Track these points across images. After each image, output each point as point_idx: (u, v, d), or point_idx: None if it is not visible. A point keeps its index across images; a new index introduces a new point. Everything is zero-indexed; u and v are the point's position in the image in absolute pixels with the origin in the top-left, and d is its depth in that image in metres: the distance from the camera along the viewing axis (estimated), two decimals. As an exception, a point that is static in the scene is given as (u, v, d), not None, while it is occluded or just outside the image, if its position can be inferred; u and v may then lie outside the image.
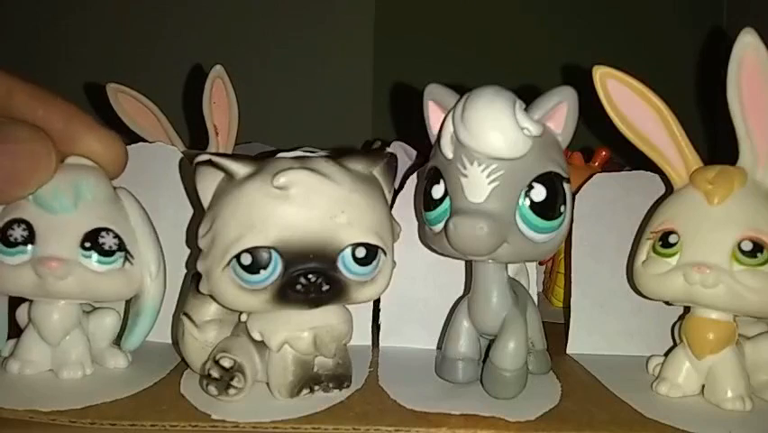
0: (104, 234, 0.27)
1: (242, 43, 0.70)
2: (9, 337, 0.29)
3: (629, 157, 0.32)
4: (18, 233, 0.26)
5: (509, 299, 0.27)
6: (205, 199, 0.26)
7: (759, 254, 0.25)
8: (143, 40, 0.71)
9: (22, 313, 0.29)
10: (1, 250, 0.26)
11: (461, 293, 0.32)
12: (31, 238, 0.26)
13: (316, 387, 0.27)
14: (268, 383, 0.27)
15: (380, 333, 0.33)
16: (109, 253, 0.27)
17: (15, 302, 0.29)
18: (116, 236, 0.27)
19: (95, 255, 0.27)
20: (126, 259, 0.28)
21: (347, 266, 0.25)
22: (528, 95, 0.26)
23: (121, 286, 0.28)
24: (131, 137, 0.40)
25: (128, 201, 0.29)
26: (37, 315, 0.27)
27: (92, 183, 0.27)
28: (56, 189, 0.26)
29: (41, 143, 0.25)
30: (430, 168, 0.27)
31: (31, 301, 0.28)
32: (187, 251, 0.32)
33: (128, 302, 0.30)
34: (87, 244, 0.26)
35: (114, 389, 0.26)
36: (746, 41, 0.25)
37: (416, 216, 0.32)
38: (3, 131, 0.25)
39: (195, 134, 0.46)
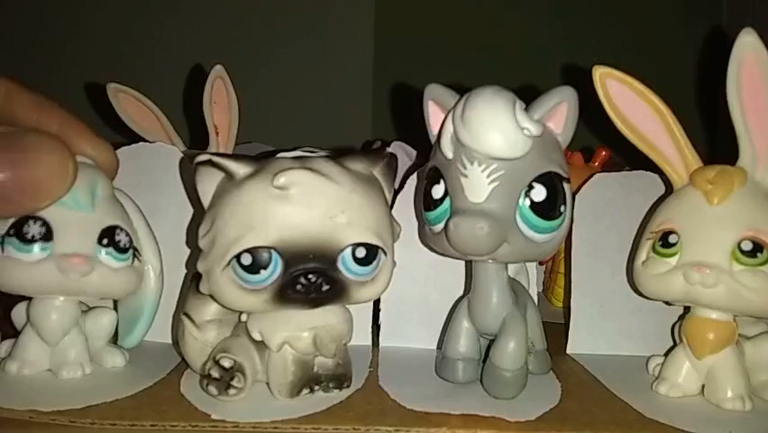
0: (118, 231, 0.27)
1: (243, 43, 0.71)
2: (4, 338, 0.29)
3: (629, 157, 0.32)
4: (35, 229, 0.26)
5: (509, 299, 0.27)
6: (206, 199, 0.26)
7: (759, 254, 0.25)
8: (144, 40, 0.71)
9: (18, 314, 0.29)
10: (16, 246, 0.26)
11: (461, 293, 0.32)
12: (48, 235, 0.26)
13: (316, 387, 0.27)
14: (268, 383, 0.27)
15: (380, 333, 0.33)
16: (124, 250, 0.27)
17: (10, 304, 0.29)
18: (127, 234, 0.28)
19: (111, 252, 0.27)
20: (135, 256, 0.28)
21: (347, 266, 0.25)
22: (528, 95, 0.26)
23: (131, 282, 0.28)
24: (131, 137, 0.40)
25: (126, 202, 0.29)
26: (36, 314, 0.27)
27: (103, 182, 0.28)
28: (74, 187, 0.26)
29: (61, 154, 0.25)
30: (430, 168, 0.27)
31: (29, 301, 0.28)
32: (187, 251, 0.32)
33: (116, 301, 0.31)
34: (105, 241, 0.27)
35: (114, 389, 0.26)
36: (746, 40, 0.25)
37: (417, 216, 0.32)
38: (18, 140, 0.25)
39: (195, 134, 0.46)
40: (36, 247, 0.26)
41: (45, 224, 0.26)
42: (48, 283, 0.26)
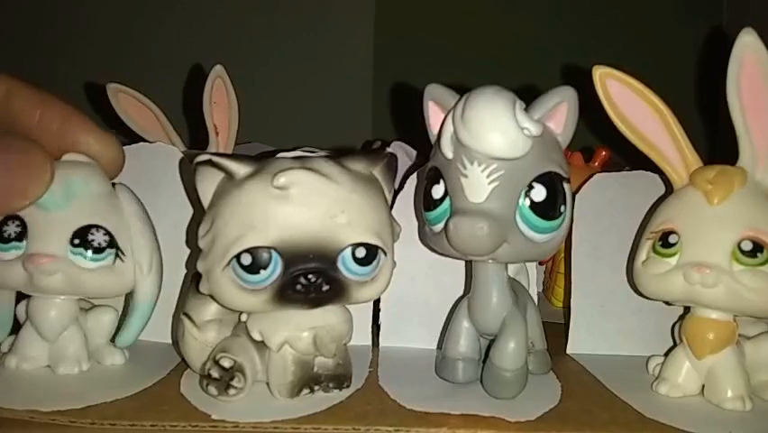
0: (93, 231, 0.27)
1: (243, 43, 0.70)
2: (11, 333, 0.29)
3: (629, 157, 0.32)
4: (11, 229, 0.26)
5: (509, 299, 0.27)
6: (206, 199, 0.26)
7: (759, 254, 0.25)
8: (144, 39, 0.71)
9: (21, 309, 0.29)
10: None
11: (461, 293, 0.32)
12: (23, 234, 0.26)
13: (316, 387, 0.27)
14: (268, 383, 0.27)
15: (380, 333, 0.33)
16: (98, 250, 0.27)
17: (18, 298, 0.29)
18: (107, 233, 0.27)
19: (84, 252, 0.27)
20: (117, 256, 0.28)
21: (347, 266, 0.25)
22: (528, 95, 0.26)
23: (110, 283, 0.28)
24: (131, 137, 0.40)
25: (125, 197, 0.29)
26: (34, 311, 0.28)
27: (83, 180, 0.27)
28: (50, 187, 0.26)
29: (37, 154, 0.25)
30: (430, 168, 0.27)
31: (29, 298, 0.28)
32: (187, 251, 0.32)
33: (126, 299, 0.31)
34: (77, 241, 0.27)
35: (114, 389, 0.26)
36: (747, 40, 0.25)
37: (416, 215, 0.32)
38: None
39: (195, 134, 0.46)
40: (12, 246, 0.26)
41: (22, 223, 0.26)
42: (17, 281, 0.27)
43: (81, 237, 0.27)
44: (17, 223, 0.26)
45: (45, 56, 0.69)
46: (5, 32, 0.69)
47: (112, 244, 0.27)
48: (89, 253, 0.27)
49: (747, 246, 0.25)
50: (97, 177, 0.28)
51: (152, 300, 0.29)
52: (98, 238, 0.27)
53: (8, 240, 0.26)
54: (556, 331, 0.34)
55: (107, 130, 0.29)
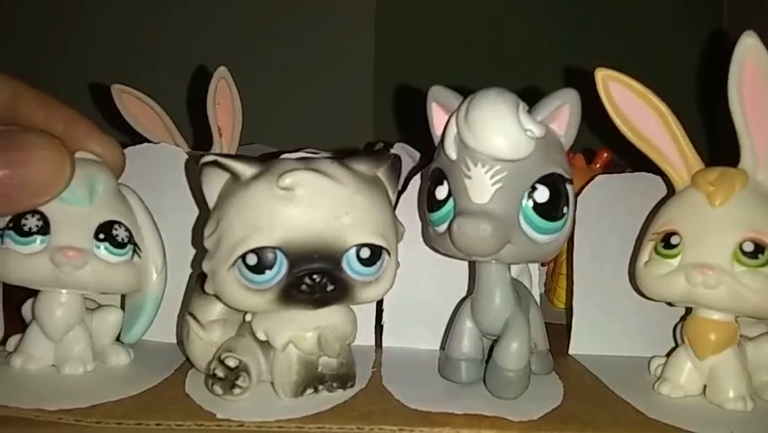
0: (116, 226, 0.28)
1: (246, 45, 0.71)
2: (15, 333, 0.30)
3: (631, 159, 0.32)
4: (32, 222, 0.26)
5: (512, 300, 0.27)
6: (211, 200, 0.26)
7: (760, 255, 0.25)
8: (148, 41, 0.71)
9: (27, 309, 0.29)
10: (14, 239, 0.26)
11: (464, 294, 0.32)
12: (45, 228, 0.26)
13: (320, 387, 0.27)
14: (272, 383, 0.27)
15: (384, 333, 0.33)
16: (121, 246, 0.27)
17: (23, 299, 0.29)
18: (127, 229, 0.28)
19: (108, 247, 0.27)
20: (135, 252, 0.28)
21: (351, 267, 0.25)
22: (531, 97, 0.26)
23: (130, 278, 0.28)
24: (135, 138, 0.40)
25: (131, 198, 0.29)
26: (40, 310, 0.28)
27: (104, 178, 0.28)
28: (72, 182, 0.26)
29: (56, 150, 0.25)
30: (434, 169, 0.27)
31: (35, 297, 0.28)
32: (192, 251, 0.33)
33: (123, 297, 0.31)
34: (101, 236, 0.27)
35: (120, 388, 0.27)
36: (748, 43, 0.26)
37: (420, 216, 0.32)
38: (15, 139, 0.25)
39: (199, 135, 0.47)
40: (33, 240, 0.26)
41: (43, 217, 0.26)
42: (43, 275, 0.26)
43: (106, 232, 0.27)
44: (38, 217, 0.26)
45: (49, 57, 0.69)
46: (9, 32, 0.69)
47: (131, 240, 0.28)
48: (113, 247, 0.27)
49: (749, 247, 0.25)
50: (112, 176, 0.28)
51: (161, 297, 0.30)
52: (121, 233, 0.28)
53: (29, 233, 0.26)
54: (558, 332, 0.34)
55: (109, 133, 0.29)
